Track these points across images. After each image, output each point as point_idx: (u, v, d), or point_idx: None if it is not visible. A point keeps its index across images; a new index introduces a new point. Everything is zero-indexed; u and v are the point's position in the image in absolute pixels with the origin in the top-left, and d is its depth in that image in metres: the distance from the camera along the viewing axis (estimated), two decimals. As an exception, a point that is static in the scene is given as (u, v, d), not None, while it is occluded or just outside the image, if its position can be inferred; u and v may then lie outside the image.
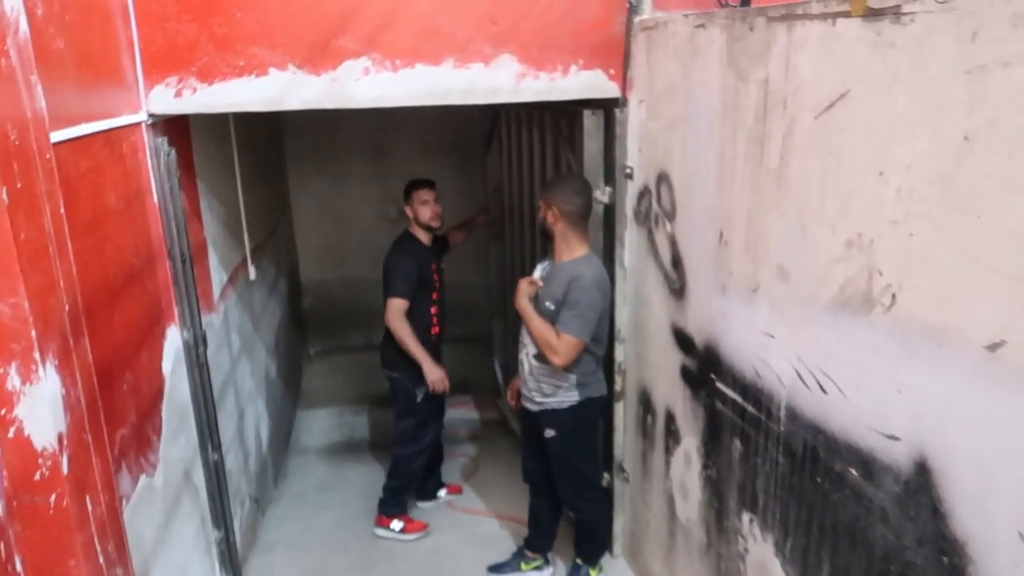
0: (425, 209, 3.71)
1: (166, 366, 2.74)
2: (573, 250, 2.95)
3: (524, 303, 2.99)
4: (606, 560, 3.47)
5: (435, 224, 3.75)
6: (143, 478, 2.43)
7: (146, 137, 2.66)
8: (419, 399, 3.79)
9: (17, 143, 1.54)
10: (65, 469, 1.63)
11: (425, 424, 3.91)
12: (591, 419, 3.14)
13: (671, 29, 2.50)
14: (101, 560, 1.77)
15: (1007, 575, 1.34)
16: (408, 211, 3.77)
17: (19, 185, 1.53)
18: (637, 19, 2.76)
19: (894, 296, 1.52)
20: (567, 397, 3.02)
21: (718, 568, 2.51)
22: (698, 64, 2.32)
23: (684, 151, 2.49)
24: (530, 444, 3.31)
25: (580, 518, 3.31)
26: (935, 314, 1.44)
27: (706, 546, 2.60)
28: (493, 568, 3.55)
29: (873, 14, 1.51)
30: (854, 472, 1.71)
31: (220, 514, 3.17)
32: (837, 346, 1.74)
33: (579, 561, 3.38)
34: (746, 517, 2.27)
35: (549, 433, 3.08)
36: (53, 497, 1.63)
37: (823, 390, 1.80)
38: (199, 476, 3.05)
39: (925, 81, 1.41)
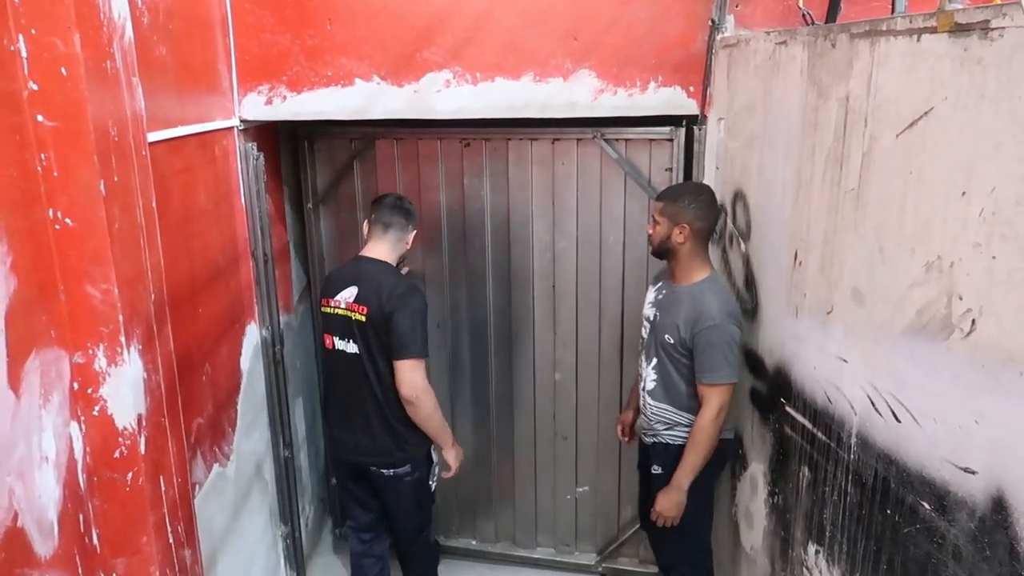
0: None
1: (244, 362, 2.86)
2: (695, 272, 2.55)
3: (682, 485, 2.55)
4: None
5: None
6: (216, 467, 2.53)
7: (237, 141, 2.80)
8: (433, 486, 2.98)
9: (116, 139, 1.65)
10: (143, 449, 1.72)
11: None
12: (709, 463, 2.59)
13: (752, 46, 2.47)
14: (171, 540, 1.85)
15: (1089, 624, 1.25)
16: (408, 240, 2.84)
17: (116, 178, 1.64)
18: (719, 36, 2.73)
19: (974, 322, 1.45)
20: (685, 433, 2.60)
21: (781, 600, 2.43)
22: (779, 81, 2.28)
23: (761, 170, 2.44)
24: (646, 486, 2.88)
25: None
26: (1019, 341, 1.37)
27: (769, 576, 2.52)
28: None
29: (960, 29, 1.45)
30: (926, 506, 1.63)
31: (288, 510, 3.27)
32: (913, 373, 1.66)
33: None
34: (812, 548, 2.19)
35: (656, 469, 2.70)
36: (130, 475, 1.72)
37: (896, 418, 1.73)
38: (270, 471, 3.16)
39: (1013, 99, 1.35)
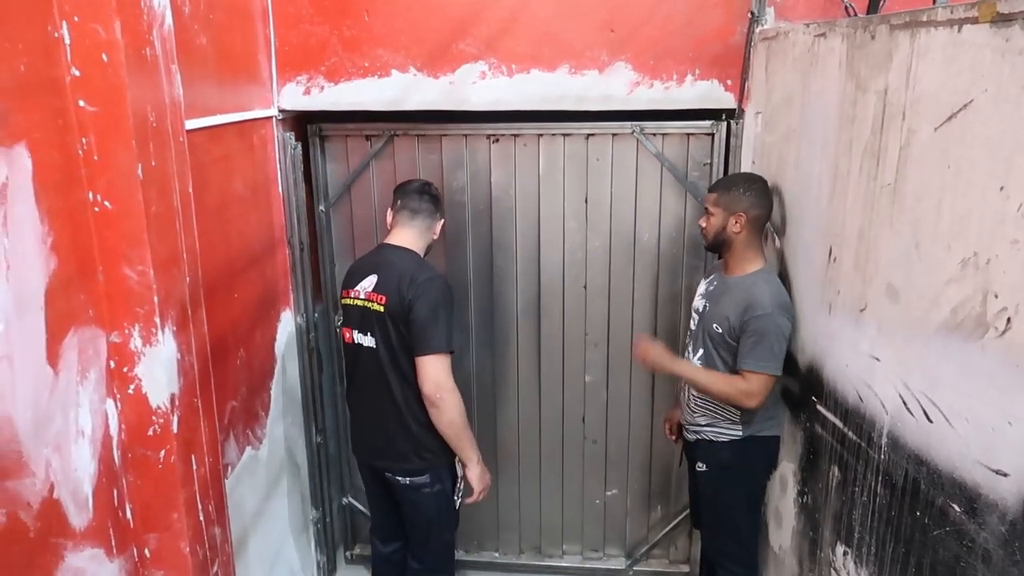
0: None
1: (278, 348, 2.91)
2: (748, 263, 2.52)
3: (673, 364, 2.58)
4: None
5: None
6: (249, 450, 2.58)
7: (275, 131, 2.84)
8: (458, 504, 2.74)
9: (155, 125, 1.69)
10: (175, 428, 1.76)
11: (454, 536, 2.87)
12: (754, 461, 2.62)
13: (792, 39, 2.43)
14: (201, 517, 1.89)
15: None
16: (436, 229, 2.68)
17: (153, 163, 1.68)
18: (758, 29, 2.70)
19: (1009, 320, 1.42)
20: (727, 431, 2.58)
21: (808, 601, 2.40)
22: (817, 74, 2.25)
23: (797, 164, 2.41)
24: (694, 484, 2.88)
25: None
26: (1055, 342, 1.33)
27: (797, 577, 2.49)
28: None
29: (1003, 19, 1.41)
30: (956, 508, 1.60)
31: (319, 495, 3.31)
32: (946, 372, 1.63)
33: None
34: (840, 549, 2.16)
35: (700, 467, 2.70)
36: (162, 453, 1.76)
37: (928, 418, 1.69)
38: (302, 456, 3.21)
39: (1057, 90, 1.31)
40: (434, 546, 2.74)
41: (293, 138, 2.92)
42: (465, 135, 3.10)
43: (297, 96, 2.87)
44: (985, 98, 1.48)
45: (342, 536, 3.66)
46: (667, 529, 3.50)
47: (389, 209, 2.69)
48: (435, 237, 2.68)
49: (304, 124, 3.10)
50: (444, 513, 2.67)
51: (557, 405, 3.41)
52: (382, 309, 2.49)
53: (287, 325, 3.00)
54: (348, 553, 3.65)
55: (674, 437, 3.04)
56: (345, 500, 3.57)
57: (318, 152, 3.15)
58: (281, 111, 2.87)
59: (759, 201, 2.49)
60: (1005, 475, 1.44)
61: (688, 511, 3.30)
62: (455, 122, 3.03)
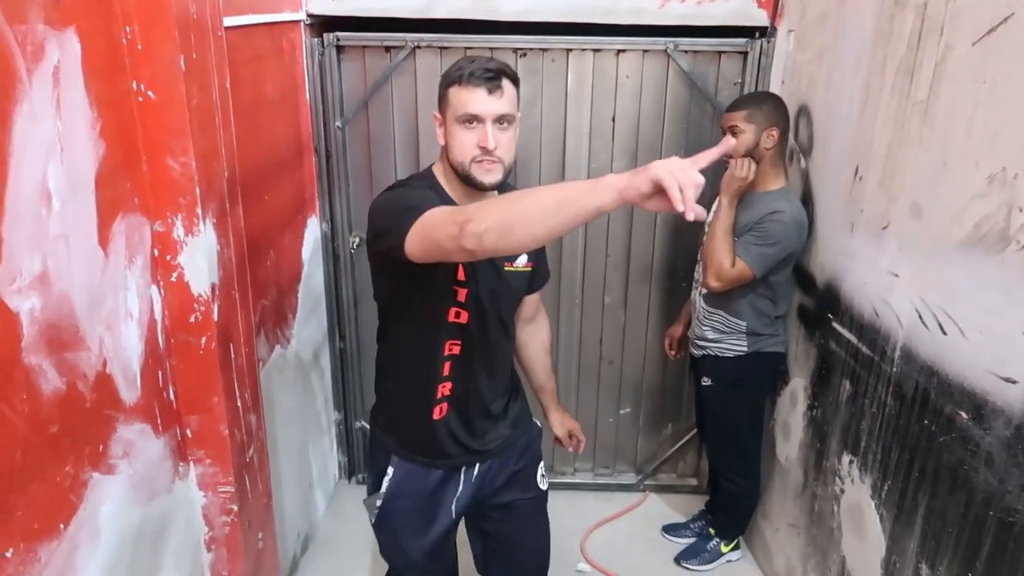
0: (467, 137, 1.68)
1: (305, 252, 2.97)
2: (772, 180, 2.53)
3: (733, 196, 2.51)
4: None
5: (484, 178, 1.73)
6: (278, 348, 2.67)
7: (304, 36, 2.84)
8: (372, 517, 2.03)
9: (195, 17, 1.71)
10: (215, 316, 1.84)
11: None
12: (758, 376, 2.73)
13: (832, -47, 2.39)
14: (239, 403, 1.99)
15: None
16: (439, 130, 1.76)
17: (195, 55, 1.70)
18: (797, -57, 2.65)
19: (1032, 233, 1.46)
20: (733, 346, 2.66)
21: (812, 508, 2.51)
22: (855, -10, 2.22)
23: (828, 83, 2.40)
24: (699, 398, 2.98)
25: (724, 487, 2.97)
26: (1075, 254, 1.37)
27: (802, 486, 2.59)
28: (669, 528, 3.31)
29: (1053, -71, 1.41)
30: (964, 415, 1.67)
31: (342, 398, 3.43)
32: (964, 286, 1.67)
33: (711, 531, 3.09)
34: (846, 458, 2.25)
35: (705, 382, 2.79)
36: (204, 339, 1.84)
37: (943, 331, 1.74)
38: (326, 360, 3.31)
39: (1101, 2, 1.32)
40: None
41: (320, 44, 2.91)
42: (491, 48, 2.98)
43: (326, 1, 2.84)
44: (1027, 11, 1.48)
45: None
46: (677, 445, 3.60)
47: None
48: (442, 143, 1.77)
49: (322, 34, 3.01)
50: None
51: (575, 326, 3.45)
52: None
53: (313, 231, 3.06)
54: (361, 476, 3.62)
55: (673, 353, 3.13)
56: (359, 424, 3.53)
57: (335, 64, 2.96)
58: (309, 15, 2.85)
59: (786, 114, 2.51)
60: (1014, 382, 1.50)
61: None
62: (485, 32, 2.94)
